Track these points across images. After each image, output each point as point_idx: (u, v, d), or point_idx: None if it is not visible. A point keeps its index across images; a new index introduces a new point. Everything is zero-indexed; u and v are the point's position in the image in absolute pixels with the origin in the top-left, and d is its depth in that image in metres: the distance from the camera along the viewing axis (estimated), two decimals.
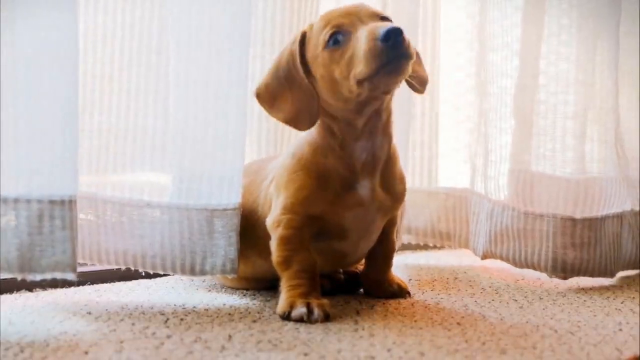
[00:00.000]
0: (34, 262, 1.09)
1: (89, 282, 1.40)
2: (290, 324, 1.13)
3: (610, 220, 1.54)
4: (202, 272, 1.28)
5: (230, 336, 1.06)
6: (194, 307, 1.24)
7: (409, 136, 1.65)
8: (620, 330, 1.14)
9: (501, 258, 1.57)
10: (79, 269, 1.18)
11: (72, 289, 1.35)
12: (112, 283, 1.41)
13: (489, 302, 1.32)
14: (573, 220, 1.50)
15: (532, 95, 1.58)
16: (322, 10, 1.57)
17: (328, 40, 1.16)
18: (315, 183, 1.21)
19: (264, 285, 1.36)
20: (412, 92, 1.27)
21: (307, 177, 1.21)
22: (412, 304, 1.28)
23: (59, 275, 1.10)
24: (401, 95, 1.36)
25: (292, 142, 1.31)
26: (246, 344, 1.02)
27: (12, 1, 1.07)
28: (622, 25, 1.62)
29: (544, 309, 1.27)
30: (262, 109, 1.25)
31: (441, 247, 1.87)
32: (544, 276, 1.55)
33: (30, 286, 1.32)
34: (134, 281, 1.43)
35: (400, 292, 1.33)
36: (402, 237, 1.68)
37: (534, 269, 1.53)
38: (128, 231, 1.28)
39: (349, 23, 1.15)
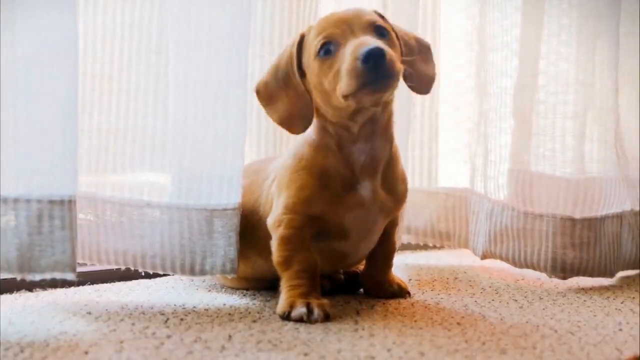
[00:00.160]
0: (34, 262, 1.09)
1: (89, 282, 1.40)
2: (290, 324, 1.13)
3: (610, 220, 1.54)
4: (202, 272, 1.28)
5: (230, 336, 1.06)
6: (194, 307, 1.24)
7: (408, 136, 1.65)
8: (620, 330, 1.14)
9: (501, 258, 1.57)
10: (79, 269, 1.18)
11: (72, 289, 1.35)
12: (112, 283, 1.41)
13: (489, 302, 1.32)
14: (572, 220, 1.50)
15: (532, 95, 1.58)
16: (322, 10, 1.58)
17: (319, 50, 1.16)
18: (316, 183, 1.21)
19: (264, 285, 1.36)
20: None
21: (308, 177, 1.21)
22: (412, 304, 1.28)
23: (58, 275, 1.10)
24: (401, 95, 1.36)
25: (293, 142, 1.31)
26: (246, 344, 1.02)
27: (12, 1, 1.07)
28: (622, 25, 1.62)
29: (544, 309, 1.27)
30: (261, 107, 1.26)
31: (441, 247, 1.87)
32: (544, 276, 1.55)
33: (30, 286, 1.32)
34: (134, 281, 1.43)
35: (400, 292, 1.33)
36: (401, 237, 1.67)
37: (534, 268, 1.53)
38: (128, 231, 1.28)
39: (340, 34, 1.15)
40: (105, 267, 1.37)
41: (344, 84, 1.11)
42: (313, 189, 1.21)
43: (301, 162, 1.23)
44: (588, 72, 1.56)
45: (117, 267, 1.30)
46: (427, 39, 1.63)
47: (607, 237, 1.53)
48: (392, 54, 1.11)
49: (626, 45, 1.69)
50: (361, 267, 1.38)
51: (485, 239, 1.58)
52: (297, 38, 1.21)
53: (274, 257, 1.21)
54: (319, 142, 1.23)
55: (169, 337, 1.05)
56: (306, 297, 1.17)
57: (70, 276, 1.10)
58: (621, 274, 1.60)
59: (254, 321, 1.15)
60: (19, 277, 1.09)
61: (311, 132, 1.24)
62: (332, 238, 1.24)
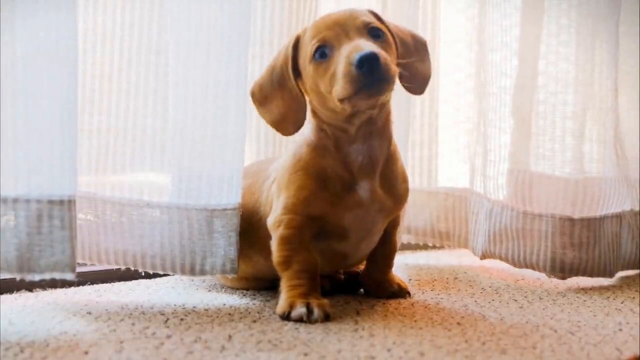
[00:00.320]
0: (33, 262, 1.09)
1: (89, 282, 1.40)
2: (290, 324, 1.13)
3: (609, 220, 1.54)
4: (202, 272, 1.28)
5: (230, 336, 1.06)
6: (194, 307, 1.24)
7: (408, 136, 1.65)
8: (620, 330, 1.14)
9: (500, 258, 1.57)
10: (79, 269, 1.19)
11: (72, 289, 1.35)
12: (112, 283, 1.41)
13: (489, 302, 1.32)
14: (571, 220, 1.50)
15: (531, 95, 1.58)
16: (321, 10, 1.57)
17: (314, 54, 1.16)
18: (315, 183, 1.21)
19: (264, 285, 1.36)
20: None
21: (307, 177, 1.21)
22: (412, 304, 1.28)
23: (58, 275, 1.10)
24: (400, 95, 1.36)
25: (292, 142, 1.31)
26: (246, 344, 1.02)
27: (12, 1, 1.06)
28: (622, 25, 1.62)
29: (544, 309, 1.27)
30: None
31: (441, 247, 1.87)
32: (543, 276, 1.55)
33: (30, 286, 1.32)
34: (134, 281, 1.43)
35: (401, 292, 1.33)
36: (401, 236, 1.67)
37: (533, 268, 1.53)
38: (128, 231, 1.28)
39: (334, 37, 1.15)
40: (105, 267, 1.37)
41: (339, 89, 1.12)
42: (312, 190, 1.21)
43: (300, 162, 1.23)
44: (587, 72, 1.56)
45: (117, 267, 1.30)
46: (427, 39, 1.63)
47: (607, 237, 1.53)
48: (386, 57, 1.11)
49: (626, 46, 1.69)
50: (361, 267, 1.38)
51: (484, 239, 1.58)
52: (293, 40, 1.21)
53: (274, 257, 1.21)
54: (317, 142, 1.23)
55: (169, 337, 1.05)
56: (306, 297, 1.17)
57: (69, 276, 1.10)
58: (621, 274, 1.60)
59: (254, 321, 1.15)
60: (18, 277, 1.09)
61: (309, 132, 1.24)
62: (332, 238, 1.24)
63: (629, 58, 1.73)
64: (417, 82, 1.24)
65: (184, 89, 1.26)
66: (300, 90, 1.21)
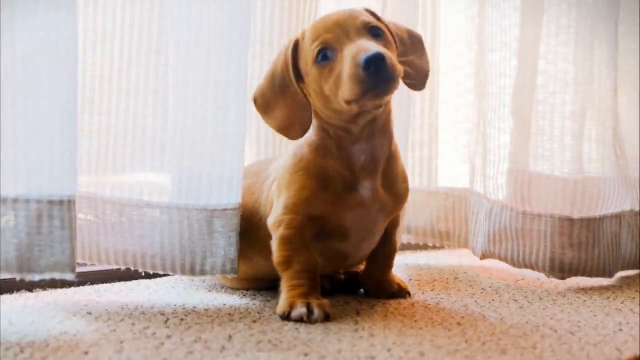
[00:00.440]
0: (33, 262, 1.09)
1: (89, 282, 1.40)
2: (290, 324, 1.13)
3: (609, 220, 1.54)
4: (202, 272, 1.28)
5: (230, 336, 1.06)
6: (194, 307, 1.24)
7: (408, 136, 1.65)
8: (620, 330, 1.14)
9: (499, 258, 1.57)
10: (79, 269, 1.19)
11: (72, 289, 1.35)
12: (112, 283, 1.41)
13: (489, 302, 1.32)
14: (570, 220, 1.50)
15: (531, 95, 1.58)
16: (321, 10, 1.57)
17: (316, 56, 1.16)
18: (316, 183, 1.21)
19: (264, 285, 1.36)
20: (410, 91, 1.27)
21: (308, 177, 1.21)
22: (412, 304, 1.28)
23: (57, 275, 1.10)
24: (400, 95, 1.36)
25: (293, 142, 1.31)
26: (246, 344, 1.02)
27: (12, 1, 1.06)
28: (621, 25, 1.62)
29: (544, 309, 1.27)
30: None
31: (440, 247, 1.86)
32: (543, 276, 1.55)
33: (30, 286, 1.32)
34: (134, 281, 1.43)
35: (401, 292, 1.33)
36: (401, 236, 1.67)
37: (532, 268, 1.53)
38: (128, 231, 1.28)
39: (335, 39, 1.15)
40: (105, 267, 1.37)
41: (346, 90, 1.11)
42: (313, 189, 1.21)
43: (301, 162, 1.23)
44: (586, 71, 1.56)
45: (117, 267, 1.30)
46: (427, 39, 1.63)
47: (606, 237, 1.53)
48: (391, 56, 1.11)
49: (625, 45, 1.69)
50: (361, 267, 1.38)
51: (484, 239, 1.58)
52: (291, 43, 1.21)
53: (274, 257, 1.21)
54: (319, 143, 1.23)
55: (169, 337, 1.05)
56: (306, 297, 1.17)
57: (69, 276, 1.10)
58: (621, 273, 1.59)
59: (254, 321, 1.15)
60: (18, 277, 1.09)
61: (310, 132, 1.24)
62: (333, 238, 1.24)
63: (628, 58, 1.73)
64: (418, 78, 1.24)
65: (184, 89, 1.26)
66: (304, 93, 1.21)
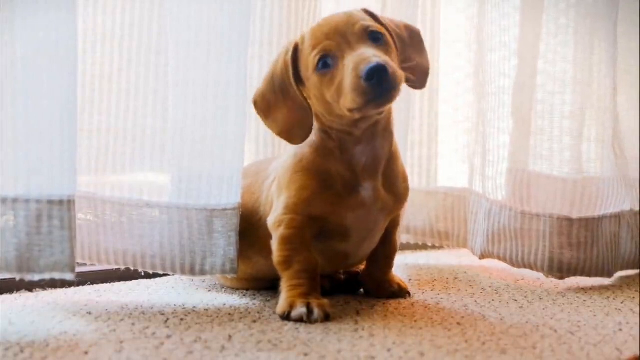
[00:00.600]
0: (33, 262, 1.09)
1: (89, 282, 1.40)
2: (290, 324, 1.13)
3: (608, 220, 1.54)
4: (202, 272, 1.28)
5: (230, 336, 1.06)
6: (194, 307, 1.24)
7: (408, 136, 1.65)
8: (620, 330, 1.14)
9: (498, 258, 1.57)
10: (79, 269, 1.18)
11: (72, 289, 1.35)
12: (112, 283, 1.41)
13: (489, 302, 1.32)
14: (569, 220, 1.50)
15: (531, 95, 1.58)
16: (322, 9, 1.57)
17: (317, 64, 1.15)
18: (317, 184, 1.21)
19: (264, 285, 1.36)
20: (410, 91, 1.27)
21: (309, 177, 1.21)
22: (412, 304, 1.28)
23: (57, 275, 1.10)
24: (400, 95, 1.35)
25: None
26: (246, 344, 1.02)
27: (12, 1, 1.06)
28: (621, 25, 1.61)
29: (544, 309, 1.27)
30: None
31: (440, 247, 1.86)
32: (543, 276, 1.55)
33: (30, 286, 1.32)
34: (134, 281, 1.43)
35: (401, 292, 1.33)
36: (400, 236, 1.67)
37: (531, 268, 1.53)
38: (127, 231, 1.28)
39: (335, 46, 1.14)
40: (105, 267, 1.37)
41: (349, 100, 1.11)
42: (313, 190, 1.21)
43: (301, 162, 1.23)
44: (586, 71, 1.56)
45: (117, 267, 1.30)
46: (427, 39, 1.63)
47: (605, 237, 1.53)
48: (393, 65, 1.11)
49: (625, 45, 1.69)
50: (361, 267, 1.38)
51: (483, 239, 1.58)
52: (291, 47, 1.20)
53: (274, 257, 1.21)
54: (320, 144, 1.23)
55: (169, 337, 1.05)
56: (306, 297, 1.17)
57: (69, 276, 1.10)
58: (620, 273, 1.59)
59: (254, 321, 1.15)
60: (18, 277, 1.09)
61: (312, 133, 1.24)
62: (334, 238, 1.24)
63: (628, 57, 1.73)
64: (418, 76, 1.24)
65: (184, 89, 1.26)
66: (304, 97, 1.21)
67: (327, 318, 1.15)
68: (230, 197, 1.27)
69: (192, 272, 1.28)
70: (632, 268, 1.61)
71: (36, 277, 1.09)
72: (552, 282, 1.52)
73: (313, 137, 1.23)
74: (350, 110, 1.13)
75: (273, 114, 1.22)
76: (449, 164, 1.79)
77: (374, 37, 1.16)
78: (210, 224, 1.27)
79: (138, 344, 1.01)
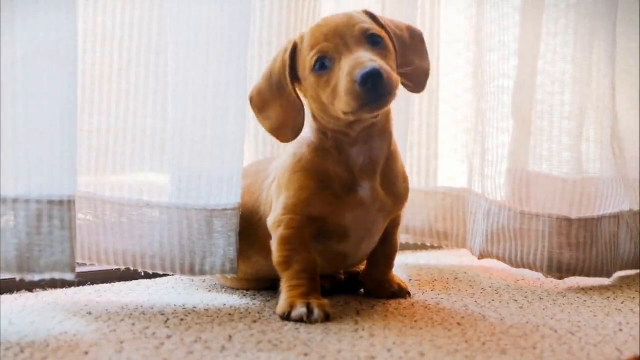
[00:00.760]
0: (33, 262, 1.09)
1: (89, 282, 1.40)
2: (290, 324, 1.13)
3: (607, 220, 1.54)
4: (202, 272, 1.28)
5: (230, 336, 1.06)
6: (194, 307, 1.24)
7: (407, 136, 1.65)
8: (620, 330, 1.14)
9: (497, 258, 1.57)
10: (79, 269, 1.18)
11: (72, 289, 1.35)
12: (112, 283, 1.41)
13: (489, 302, 1.32)
14: (568, 220, 1.50)
15: (530, 95, 1.58)
16: (322, 9, 1.57)
17: (314, 65, 1.16)
18: (316, 184, 1.21)
19: (264, 285, 1.36)
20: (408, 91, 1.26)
21: (308, 177, 1.21)
22: (412, 304, 1.28)
23: (57, 275, 1.10)
24: (399, 95, 1.35)
25: (293, 141, 1.31)
26: (246, 344, 1.02)
27: (12, 1, 1.06)
28: (620, 24, 1.62)
29: (544, 309, 1.27)
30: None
31: (439, 247, 1.86)
32: (543, 276, 1.55)
33: (30, 286, 1.32)
34: (134, 281, 1.43)
35: (401, 292, 1.33)
36: (399, 236, 1.67)
37: (530, 268, 1.53)
38: (127, 231, 1.28)
39: (333, 48, 1.14)
40: (105, 267, 1.37)
41: (343, 103, 1.12)
42: (312, 190, 1.21)
43: (300, 162, 1.23)
44: (585, 70, 1.56)
45: (116, 267, 1.30)
46: (426, 39, 1.63)
47: (604, 237, 1.53)
48: (388, 70, 1.11)
49: (624, 45, 1.69)
50: (361, 267, 1.38)
51: (482, 239, 1.58)
52: (290, 46, 1.20)
53: (274, 257, 1.21)
54: (317, 144, 1.23)
55: (169, 337, 1.05)
56: (306, 297, 1.17)
57: (69, 276, 1.10)
58: (620, 273, 1.59)
59: (254, 321, 1.15)
60: (18, 277, 1.09)
61: (309, 133, 1.24)
62: (332, 239, 1.24)
63: (627, 57, 1.73)
64: (417, 79, 1.24)
65: (184, 89, 1.26)
66: (298, 96, 1.21)
67: (327, 318, 1.15)
68: (230, 197, 1.27)
69: (192, 272, 1.28)
70: (631, 268, 1.61)
71: (36, 277, 1.09)
72: (552, 282, 1.52)
73: (311, 137, 1.23)
74: (345, 113, 1.13)
75: (266, 111, 1.23)
76: (449, 164, 1.79)
77: (373, 40, 1.16)
78: (210, 224, 1.27)
79: (138, 344, 1.01)
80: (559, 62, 1.57)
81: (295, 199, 1.21)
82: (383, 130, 1.23)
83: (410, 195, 1.32)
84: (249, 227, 1.29)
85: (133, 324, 1.11)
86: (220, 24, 1.25)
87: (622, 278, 1.58)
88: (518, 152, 1.59)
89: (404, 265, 1.67)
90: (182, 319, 1.15)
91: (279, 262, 1.21)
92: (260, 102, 1.23)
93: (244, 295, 1.34)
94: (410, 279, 1.50)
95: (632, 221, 1.59)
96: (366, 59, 1.10)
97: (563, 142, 1.56)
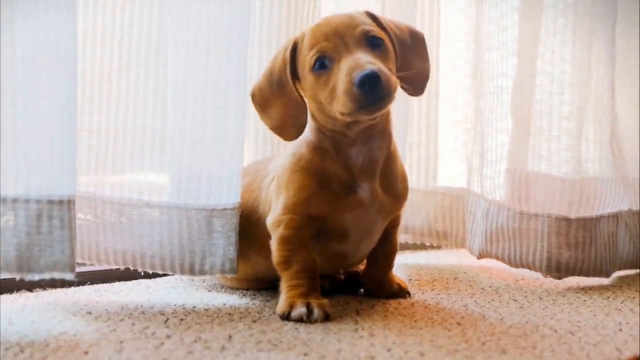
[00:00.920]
0: (33, 262, 1.09)
1: (89, 282, 1.40)
2: (290, 324, 1.13)
3: (606, 220, 1.54)
4: (202, 272, 1.28)
5: (230, 336, 1.06)
6: (194, 307, 1.24)
7: (407, 136, 1.65)
8: (620, 330, 1.14)
9: (497, 257, 1.57)
10: (79, 269, 1.18)
11: (72, 289, 1.35)
12: (112, 283, 1.41)
13: (489, 302, 1.32)
14: (568, 220, 1.50)
15: (529, 95, 1.58)
16: (322, 9, 1.57)
17: (314, 64, 1.16)
18: (316, 184, 1.21)
19: (264, 285, 1.36)
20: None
21: (307, 177, 1.21)
22: (412, 304, 1.28)
23: (57, 275, 1.10)
24: (399, 95, 1.35)
25: (291, 141, 1.31)
26: (246, 344, 1.02)
27: (12, 1, 1.06)
28: (620, 24, 1.62)
29: (544, 309, 1.27)
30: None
31: (438, 247, 1.86)
32: (542, 276, 1.55)
33: (30, 286, 1.32)
34: (134, 281, 1.43)
35: (401, 292, 1.33)
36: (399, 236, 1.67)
37: (529, 268, 1.53)
38: (127, 231, 1.28)
39: (333, 48, 1.15)
40: (105, 267, 1.37)
41: (340, 105, 1.12)
42: (312, 190, 1.21)
43: (300, 162, 1.23)
44: (584, 70, 1.56)
45: (116, 267, 1.30)
46: (426, 40, 1.63)
47: (603, 237, 1.53)
48: (387, 73, 1.11)
49: (624, 45, 1.69)
50: (362, 266, 1.38)
51: (481, 239, 1.58)
52: (290, 44, 1.21)
53: (274, 257, 1.21)
54: (317, 143, 1.23)
55: (169, 337, 1.05)
56: (306, 297, 1.17)
57: (69, 276, 1.10)
58: (619, 273, 1.59)
59: (254, 321, 1.15)
60: (18, 277, 1.09)
61: (309, 132, 1.24)
62: (332, 239, 1.24)
63: (627, 57, 1.73)
64: (417, 83, 1.24)
65: (184, 89, 1.26)
66: (300, 94, 1.21)
67: (327, 318, 1.15)
68: (230, 197, 1.27)
69: (192, 272, 1.28)
70: (631, 268, 1.62)
71: (36, 277, 1.09)
72: (552, 282, 1.52)
73: (311, 136, 1.23)
74: (342, 114, 1.13)
75: (268, 109, 1.23)
76: (448, 164, 1.79)
77: (373, 43, 1.16)
78: (210, 224, 1.27)
79: (138, 344, 1.01)
80: (558, 62, 1.57)
81: (295, 199, 1.20)
82: (383, 132, 1.23)
83: (409, 195, 1.32)
84: (249, 226, 1.29)
85: (133, 324, 1.11)
86: (220, 24, 1.25)
87: (621, 278, 1.58)
88: (517, 152, 1.59)
89: (404, 265, 1.67)
90: (182, 319, 1.15)
91: (279, 262, 1.21)
92: (262, 100, 1.23)
93: (244, 295, 1.34)
94: (410, 279, 1.50)
95: (631, 221, 1.59)
96: (365, 61, 1.11)
97: (562, 142, 1.56)
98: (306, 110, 1.21)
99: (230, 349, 0.99)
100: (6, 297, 1.28)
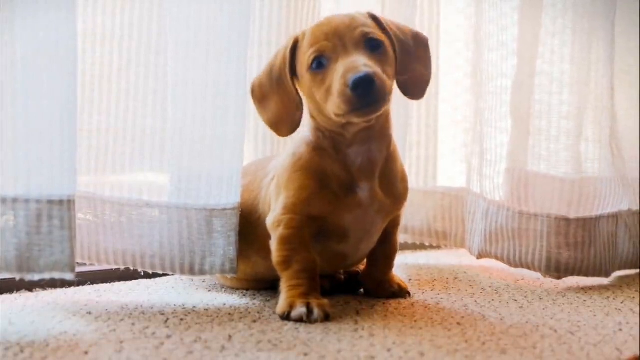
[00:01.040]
0: (33, 262, 1.09)
1: (89, 282, 1.40)
2: (290, 324, 1.13)
3: (605, 220, 1.54)
4: (202, 272, 1.28)
5: (230, 336, 1.06)
6: (194, 307, 1.24)
7: (406, 136, 1.65)
8: (620, 330, 1.14)
9: (496, 257, 1.57)
10: (79, 269, 1.18)
11: (72, 289, 1.35)
12: (112, 283, 1.41)
13: (489, 302, 1.32)
14: (567, 220, 1.50)
15: (529, 95, 1.58)
16: (322, 9, 1.57)
17: (311, 63, 1.16)
18: (315, 183, 1.21)
19: (264, 285, 1.36)
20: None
21: (307, 177, 1.21)
22: (412, 304, 1.28)
23: (57, 275, 1.10)
24: (399, 95, 1.35)
25: (291, 141, 1.31)
26: (246, 344, 1.02)
27: (12, 1, 1.06)
28: (619, 24, 1.62)
29: (544, 309, 1.27)
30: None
31: (437, 247, 1.86)
32: (542, 276, 1.55)
33: (30, 286, 1.32)
34: (134, 281, 1.43)
35: (401, 292, 1.33)
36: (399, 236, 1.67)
37: (529, 268, 1.53)
38: (127, 231, 1.28)
39: (332, 48, 1.15)
40: (105, 267, 1.36)
41: (334, 105, 1.12)
42: (312, 190, 1.21)
43: (300, 162, 1.23)
44: (583, 70, 1.56)
45: (116, 267, 1.30)
46: None
47: (602, 237, 1.53)
48: (381, 76, 1.11)
49: (623, 45, 1.69)
50: (362, 266, 1.38)
51: (481, 239, 1.58)
52: (291, 42, 1.21)
53: (274, 257, 1.21)
54: (316, 143, 1.23)
55: (169, 337, 1.05)
56: (306, 297, 1.17)
57: (69, 276, 1.10)
58: (619, 273, 1.60)
59: (254, 321, 1.15)
60: (18, 277, 1.09)
61: (308, 132, 1.24)
62: (332, 239, 1.24)
63: (627, 57, 1.73)
64: (416, 87, 1.24)
65: (184, 89, 1.26)
66: (298, 93, 1.21)
67: (327, 318, 1.15)
68: (230, 197, 1.27)
69: (192, 271, 1.28)
70: (630, 268, 1.62)
71: (36, 277, 1.09)
72: (552, 282, 1.52)
73: (311, 136, 1.24)
74: (336, 115, 1.14)
75: (266, 104, 1.23)
76: (448, 164, 1.79)
77: (372, 45, 1.16)
78: (210, 224, 1.27)
79: (138, 344, 1.01)
80: (558, 62, 1.57)
81: (295, 198, 1.21)
82: (382, 133, 1.23)
83: (409, 195, 1.32)
84: (248, 226, 1.29)
85: (133, 324, 1.11)
86: (220, 24, 1.25)
87: (621, 278, 1.58)
88: (517, 152, 1.59)
89: (404, 265, 1.67)
90: (182, 319, 1.15)
91: (279, 262, 1.21)
92: (261, 95, 1.24)
93: (244, 295, 1.34)
94: (410, 279, 1.50)
95: (630, 221, 1.59)
96: (361, 63, 1.11)
97: (562, 142, 1.56)
98: (302, 108, 1.21)
99: (230, 349, 0.99)
100: (6, 297, 1.28)
